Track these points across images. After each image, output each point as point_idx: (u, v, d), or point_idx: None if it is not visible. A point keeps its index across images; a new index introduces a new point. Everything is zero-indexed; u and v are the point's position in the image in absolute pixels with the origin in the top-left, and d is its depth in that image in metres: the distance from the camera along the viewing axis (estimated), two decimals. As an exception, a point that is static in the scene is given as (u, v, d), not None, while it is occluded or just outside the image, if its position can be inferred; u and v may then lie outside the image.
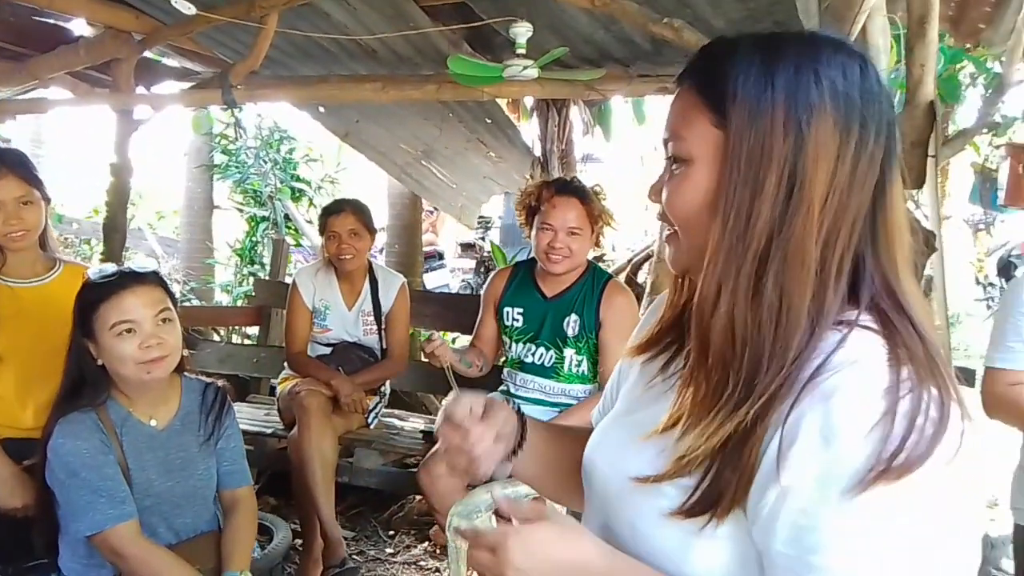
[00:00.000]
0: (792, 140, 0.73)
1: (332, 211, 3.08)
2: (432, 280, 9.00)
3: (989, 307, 8.54)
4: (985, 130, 3.16)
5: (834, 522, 0.67)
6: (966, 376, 2.82)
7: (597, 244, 2.66)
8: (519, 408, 1.02)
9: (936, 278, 2.18)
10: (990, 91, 3.10)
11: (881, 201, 0.76)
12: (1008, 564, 3.19)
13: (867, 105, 0.74)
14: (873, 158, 0.75)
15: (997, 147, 2.95)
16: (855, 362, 0.71)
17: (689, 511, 0.75)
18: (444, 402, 0.96)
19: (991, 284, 8.63)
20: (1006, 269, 8.34)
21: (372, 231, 3.10)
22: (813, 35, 0.79)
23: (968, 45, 3.01)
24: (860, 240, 0.76)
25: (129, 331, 1.72)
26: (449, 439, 0.94)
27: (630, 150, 9.84)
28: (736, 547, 0.75)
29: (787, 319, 0.73)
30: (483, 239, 10.00)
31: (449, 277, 9.87)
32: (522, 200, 2.67)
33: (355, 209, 3.06)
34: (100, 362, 1.76)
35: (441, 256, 10.20)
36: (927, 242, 2.08)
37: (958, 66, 3.21)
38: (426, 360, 2.54)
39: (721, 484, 0.74)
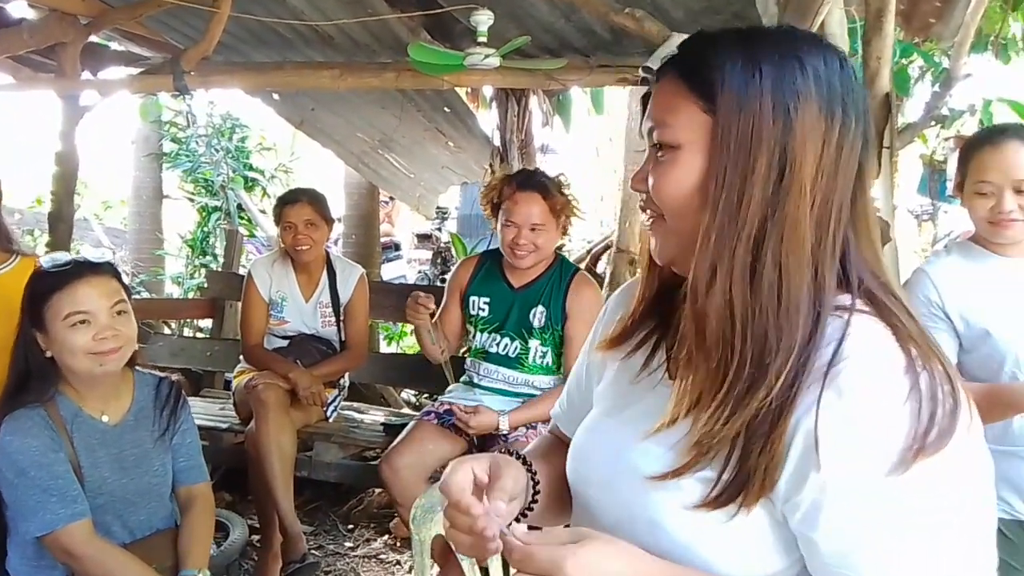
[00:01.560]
0: (781, 123, 0.75)
1: (287, 201, 3.02)
2: (389, 271, 8.93)
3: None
4: (933, 123, 3.24)
5: (881, 503, 0.69)
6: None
7: (564, 234, 2.64)
8: (525, 458, 0.93)
9: (889, 268, 2.23)
10: (938, 85, 3.17)
11: (860, 186, 0.79)
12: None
13: (847, 93, 0.77)
14: (855, 143, 0.77)
15: (946, 139, 3.03)
16: (866, 348, 0.73)
17: (715, 501, 0.75)
18: (445, 473, 0.83)
19: (935, 273, 8.85)
20: (950, 259, 8.55)
21: (329, 221, 3.05)
22: (792, 29, 0.82)
23: (918, 39, 3.08)
24: (845, 223, 0.78)
25: (83, 322, 1.66)
26: (454, 521, 0.80)
27: (586, 141, 9.86)
28: (767, 533, 0.76)
29: (788, 297, 0.74)
30: (440, 230, 9.94)
31: (406, 268, 9.80)
32: (486, 195, 2.66)
33: (311, 199, 3.01)
34: (49, 354, 1.70)
35: (398, 247, 10.12)
36: (882, 232, 2.13)
37: (908, 60, 3.29)
38: (405, 312, 2.49)
39: (748, 470, 0.74)
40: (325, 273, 3.10)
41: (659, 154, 0.81)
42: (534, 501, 0.92)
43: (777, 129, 0.75)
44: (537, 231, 2.50)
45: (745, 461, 0.74)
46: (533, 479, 0.92)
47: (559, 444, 1.06)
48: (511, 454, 0.92)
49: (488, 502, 0.79)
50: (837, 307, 0.76)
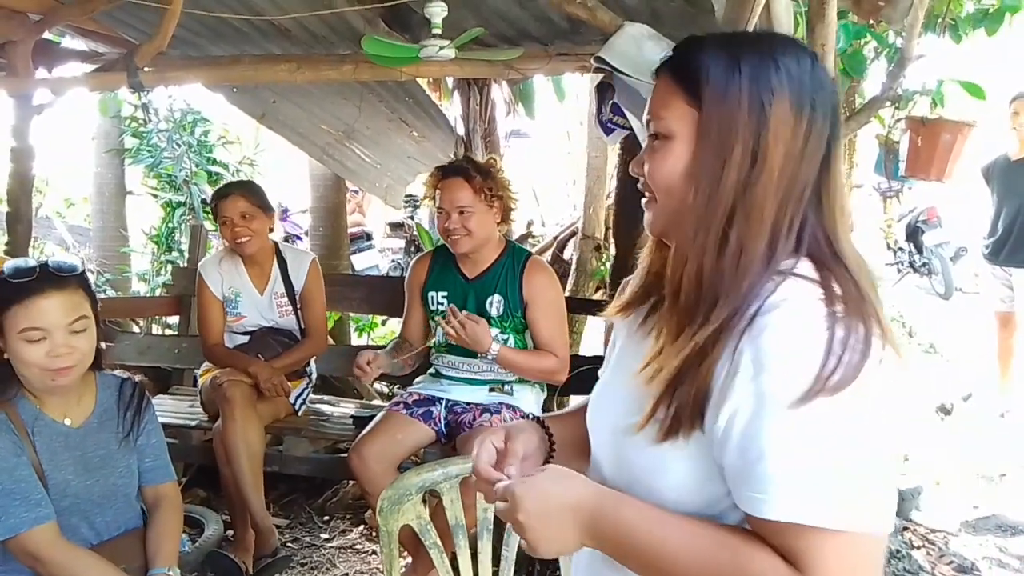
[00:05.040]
0: (756, 117, 0.87)
1: (220, 196, 3.00)
2: (361, 261, 8.88)
3: (899, 271, 8.95)
4: (888, 103, 3.28)
5: (777, 432, 0.80)
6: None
7: (504, 220, 2.67)
8: (539, 419, 1.12)
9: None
10: (892, 65, 3.21)
11: (826, 172, 0.90)
12: (917, 515, 3.40)
13: (816, 91, 0.89)
14: (820, 136, 0.89)
15: (897, 120, 3.08)
16: (785, 301, 0.84)
17: (663, 434, 0.88)
18: (473, 456, 1.05)
19: (900, 248, 9.04)
20: (914, 234, 8.76)
21: (267, 210, 3.01)
22: (771, 33, 0.96)
23: (871, 22, 3.11)
24: (808, 203, 0.89)
25: (40, 339, 1.65)
26: (485, 491, 1.02)
27: (556, 126, 9.86)
28: (700, 464, 0.88)
29: (744, 262, 0.87)
30: (412, 218, 9.89)
31: (379, 258, 9.76)
32: (426, 193, 2.71)
33: (244, 190, 2.99)
34: (6, 357, 1.69)
35: (369, 237, 10.05)
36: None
37: (862, 42, 3.33)
38: (356, 373, 2.53)
39: (681, 402, 0.86)
40: (276, 263, 3.08)
41: (655, 142, 0.94)
42: (551, 455, 1.11)
43: (753, 121, 0.87)
44: (466, 214, 2.55)
45: (679, 395, 0.87)
46: (550, 437, 1.12)
47: None
48: (531, 418, 1.13)
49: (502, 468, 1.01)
50: (779, 271, 0.87)
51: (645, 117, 0.95)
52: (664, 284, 0.99)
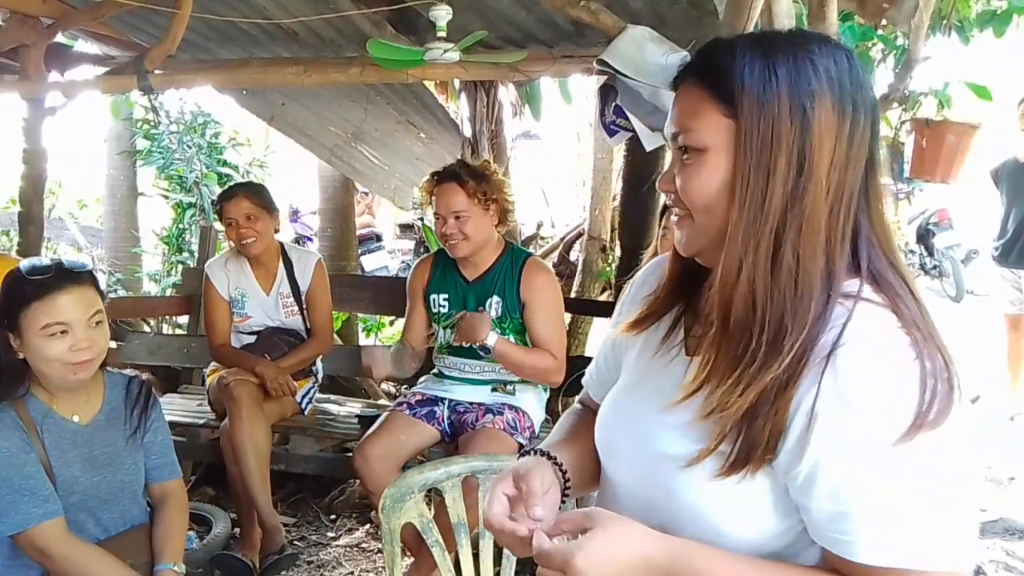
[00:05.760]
0: (798, 123, 0.81)
1: (225, 197, 3.03)
2: (370, 262, 8.91)
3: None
4: (895, 104, 3.27)
5: (875, 474, 0.76)
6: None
7: (502, 221, 2.66)
8: (548, 454, 1.02)
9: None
10: (899, 67, 3.20)
11: (872, 175, 0.85)
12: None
13: (856, 90, 0.83)
14: (863, 137, 0.83)
15: (903, 122, 3.07)
16: (867, 333, 0.79)
17: (728, 471, 0.83)
18: (482, 513, 0.96)
19: (911, 251, 8.99)
20: (924, 236, 8.72)
21: (271, 211, 3.04)
22: (802, 31, 0.90)
23: (876, 23, 3.11)
24: (857, 210, 0.84)
25: (62, 333, 1.68)
26: (504, 541, 0.93)
27: (566, 127, 9.86)
28: (767, 498, 0.83)
29: (804, 281, 0.81)
30: (422, 219, 9.91)
31: (388, 259, 9.78)
32: (423, 199, 2.72)
33: (249, 192, 3.02)
34: (21, 355, 1.72)
35: (379, 238, 10.07)
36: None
37: (869, 43, 3.33)
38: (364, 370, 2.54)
39: (753, 438, 0.81)
40: (281, 263, 3.11)
41: (685, 157, 0.87)
42: (567, 486, 1.01)
43: (795, 128, 0.81)
44: (462, 219, 2.55)
45: (751, 431, 0.81)
46: (561, 468, 1.01)
47: (590, 415, 1.12)
48: (533, 452, 1.02)
49: (527, 511, 0.90)
50: (844, 294, 0.82)
51: (671, 130, 0.88)
52: (683, 295, 0.96)
